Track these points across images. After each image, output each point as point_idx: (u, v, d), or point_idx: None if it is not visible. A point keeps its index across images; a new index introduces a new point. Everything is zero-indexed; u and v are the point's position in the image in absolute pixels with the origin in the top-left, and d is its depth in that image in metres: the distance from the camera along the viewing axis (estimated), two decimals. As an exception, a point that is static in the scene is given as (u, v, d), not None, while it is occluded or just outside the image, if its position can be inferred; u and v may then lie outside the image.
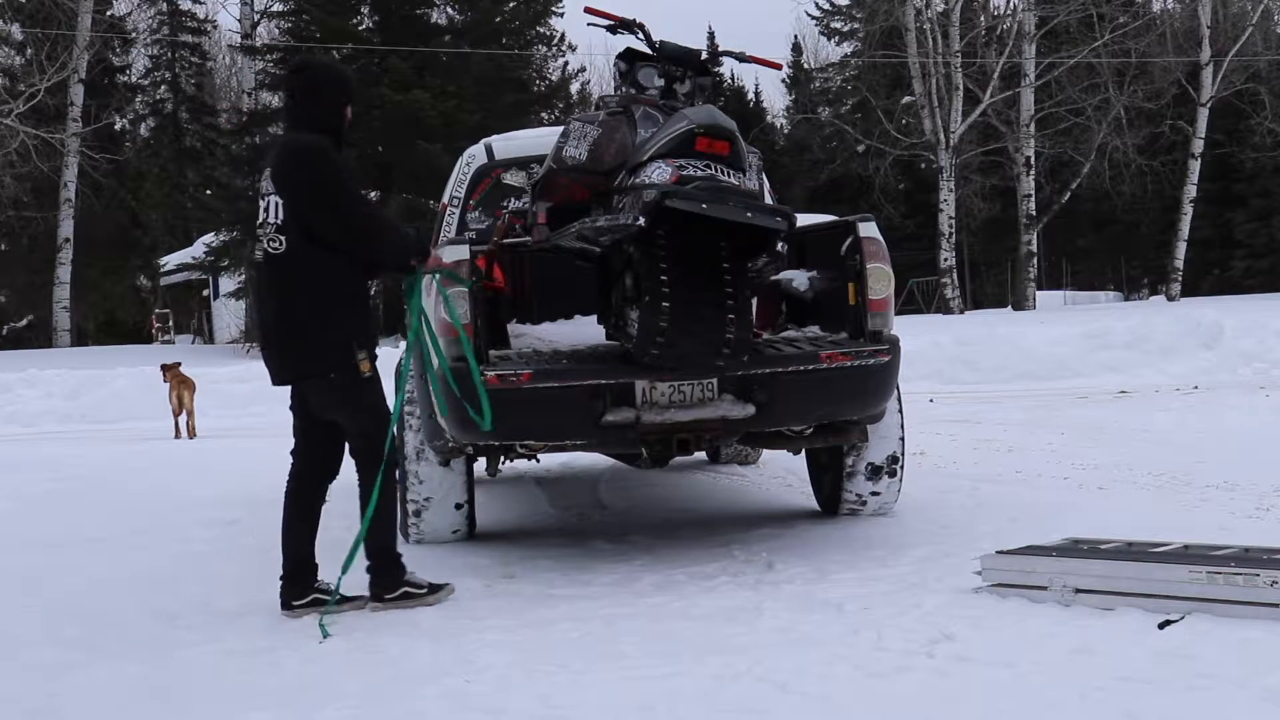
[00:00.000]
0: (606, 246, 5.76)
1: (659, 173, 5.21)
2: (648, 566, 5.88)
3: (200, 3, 47.96)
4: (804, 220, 6.24)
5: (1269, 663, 3.80)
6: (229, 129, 37.64)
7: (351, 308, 5.28)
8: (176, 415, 14.06)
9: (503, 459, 6.39)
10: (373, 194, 27.16)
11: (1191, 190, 36.40)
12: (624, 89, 5.97)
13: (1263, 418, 10.25)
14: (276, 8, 35.13)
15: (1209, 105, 36.12)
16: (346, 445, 5.42)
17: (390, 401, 5.50)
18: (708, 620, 4.81)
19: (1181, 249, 36.63)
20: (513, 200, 7.45)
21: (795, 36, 54.74)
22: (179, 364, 14.70)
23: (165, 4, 43.11)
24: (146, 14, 43.09)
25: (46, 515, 7.82)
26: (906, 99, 37.39)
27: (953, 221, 35.29)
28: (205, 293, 42.23)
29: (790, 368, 5.72)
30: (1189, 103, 36.29)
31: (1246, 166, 39.93)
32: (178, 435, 13.87)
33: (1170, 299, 35.58)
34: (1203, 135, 36.10)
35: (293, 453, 5.48)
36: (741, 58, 6.38)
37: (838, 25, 47.22)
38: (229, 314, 36.88)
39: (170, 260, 41.36)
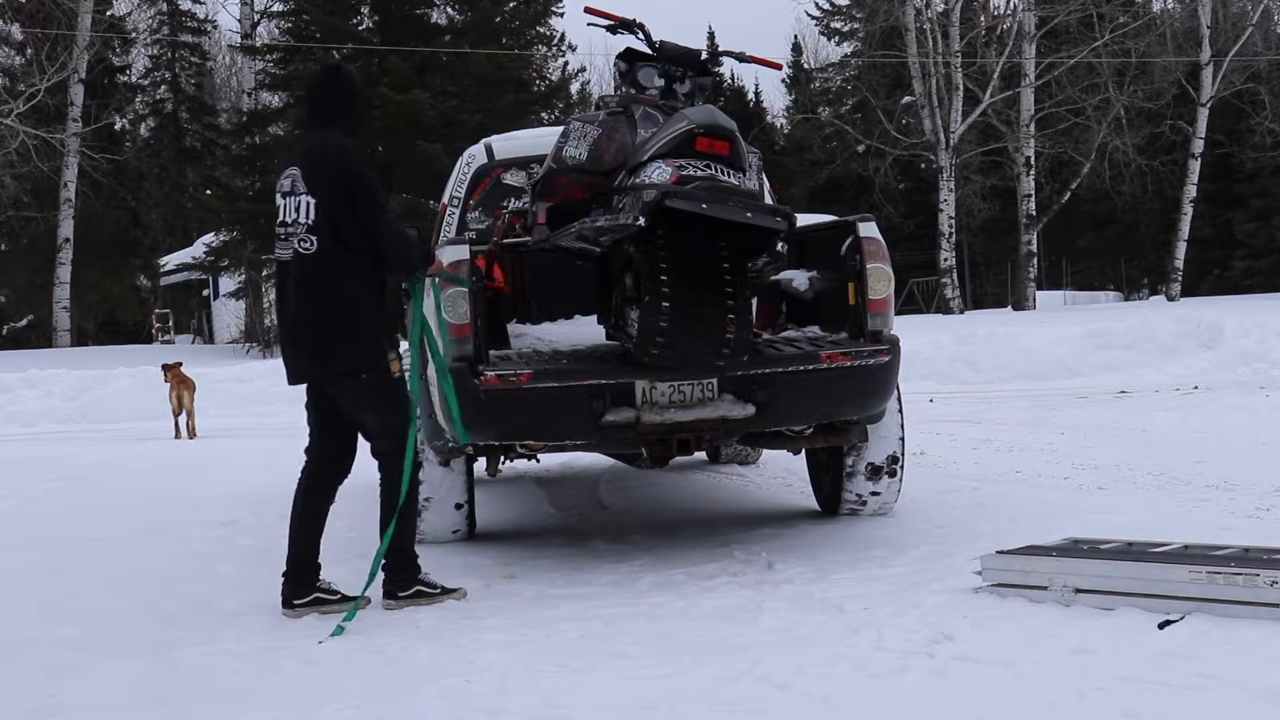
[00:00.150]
0: (606, 246, 5.76)
1: (659, 173, 5.21)
2: (648, 566, 5.88)
3: (200, 3, 48.05)
4: (804, 220, 6.24)
5: (1269, 663, 3.80)
6: (229, 129, 37.66)
7: (380, 308, 5.34)
8: (176, 415, 14.06)
9: (503, 459, 6.39)
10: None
11: (1191, 190, 36.40)
12: (624, 89, 5.98)
13: (1263, 418, 10.24)
14: (276, 8, 35.14)
15: (1209, 105, 36.12)
16: (361, 447, 5.42)
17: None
18: (708, 620, 4.81)
19: (1181, 249, 36.64)
20: (513, 200, 7.45)
21: (795, 36, 54.85)
22: (180, 364, 14.69)
23: (165, 4, 43.12)
24: (146, 14, 43.13)
25: (46, 515, 7.81)
26: (906, 99, 37.38)
27: (953, 221, 35.29)
28: (205, 293, 42.22)
29: (790, 368, 5.72)
30: (1189, 103, 36.29)
31: (1246, 166, 39.93)
32: (178, 435, 13.88)
33: (1170, 299, 35.57)
34: (1203, 135, 36.11)
35: (307, 450, 5.48)
36: (741, 58, 6.38)
37: (838, 25, 47.21)
38: (229, 314, 36.87)
39: (170, 260, 41.35)
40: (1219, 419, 10.31)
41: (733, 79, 51.98)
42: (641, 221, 5.10)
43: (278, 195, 5.33)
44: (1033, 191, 36.11)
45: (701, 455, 9.15)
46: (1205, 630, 4.15)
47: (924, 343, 16.22)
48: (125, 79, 41.34)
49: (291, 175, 5.28)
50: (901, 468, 6.67)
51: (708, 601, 5.12)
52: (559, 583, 5.66)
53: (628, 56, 6.01)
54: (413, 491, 5.34)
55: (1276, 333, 15.82)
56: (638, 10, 6.53)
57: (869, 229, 6.11)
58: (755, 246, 5.55)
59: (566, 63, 42.14)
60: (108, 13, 36.96)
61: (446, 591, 5.36)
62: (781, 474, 8.79)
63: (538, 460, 7.43)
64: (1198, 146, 36.05)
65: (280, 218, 5.30)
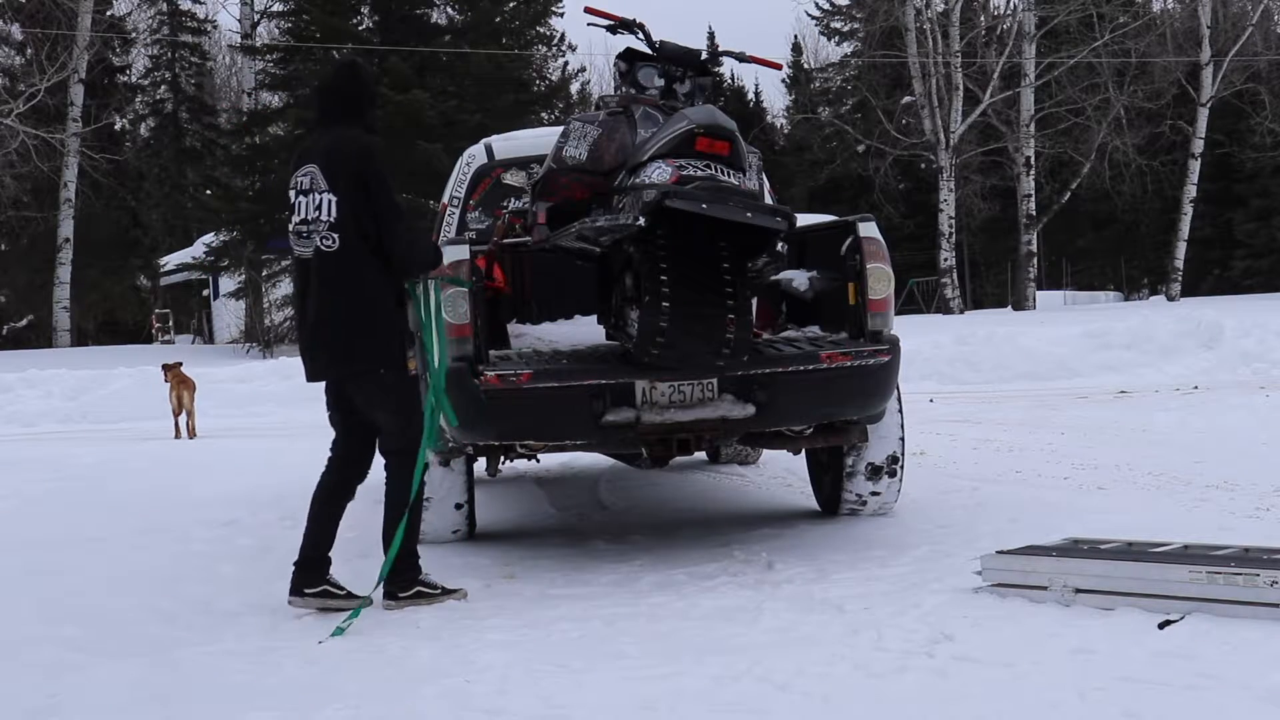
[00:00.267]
0: (606, 246, 5.76)
1: (659, 173, 5.21)
2: (648, 566, 5.88)
3: (200, 3, 48.05)
4: (804, 220, 6.25)
5: (1269, 663, 3.79)
6: (229, 129, 37.65)
7: (400, 306, 5.35)
8: (176, 415, 14.06)
9: (503, 459, 6.39)
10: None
11: (1191, 190, 36.40)
12: (624, 89, 5.98)
13: (1263, 418, 10.24)
14: (276, 8, 35.14)
15: (1209, 105, 36.12)
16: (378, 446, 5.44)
17: None
18: (708, 620, 4.81)
19: (1181, 249, 36.64)
20: (513, 200, 7.45)
21: (795, 36, 54.82)
22: (180, 364, 14.69)
23: (165, 4, 43.13)
24: (146, 14, 43.15)
25: (46, 515, 7.81)
26: (906, 99, 37.39)
27: (953, 221, 35.29)
28: (205, 293, 42.21)
29: (790, 368, 5.72)
30: (1189, 103, 36.30)
31: (1246, 166, 39.94)
32: (178, 435, 13.87)
33: (1170, 299, 35.57)
34: (1203, 135, 36.11)
35: (332, 448, 5.50)
36: (741, 58, 6.38)
37: (838, 25, 47.23)
38: (229, 314, 36.86)
39: (170, 260, 41.34)
40: (1219, 419, 10.31)
41: (733, 79, 52.02)
42: (641, 221, 5.10)
43: (292, 192, 5.30)
44: (1033, 191, 36.11)
45: (701, 455, 9.15)
46: (1205, 630, 4.14)
47: (924, 343, 16.22)
48: (125, 79, 41.35)
49: (309, 172, 5.25)
50: (901, 468, 6.67)
51: (708, 601, 5.12)
52: (559, 583, 5.66)
53: (628, 56, 6.01)
54: (420, 491, 5.35)
55: (1276, 333, 15.82)
56: (638, 10, 6.53)
57: (869, 229, 6.11)
58: (755, 246, 5.55)
59: (566, 63, 42.22)
60: (108, 13, 36.97)
61: (447, 592, 5.37)
62: (781, 474, 8.79)
63: (538, 460, 7.43)
64: (1198, 146, 36.06)
65: (301, 215, 5.25)
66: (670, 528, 6.96)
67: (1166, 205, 39.21)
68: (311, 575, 5.30)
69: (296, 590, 5.29)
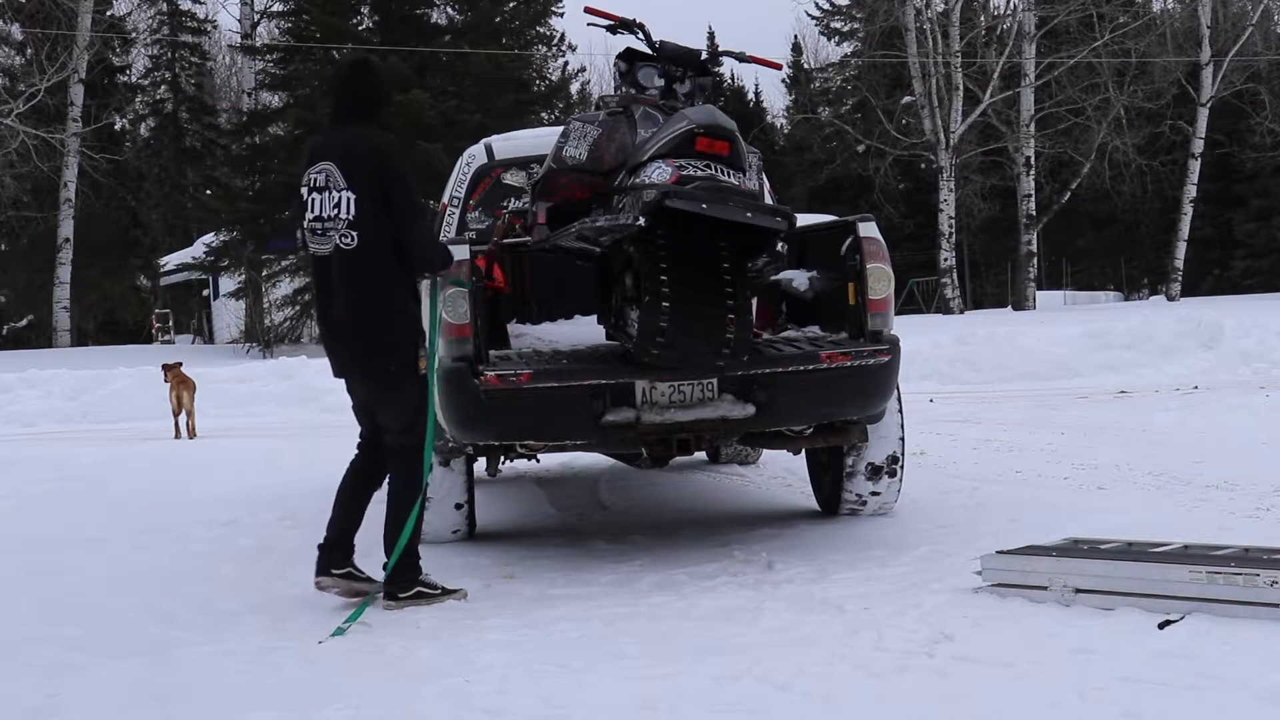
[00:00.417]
0: (606, 246, 5.76)
1: (659, 173, 5.21)
2: (648, 566, 5.88)
3: (200, 3, 48.07)
4: (804, 220, 6.24)
5: (1269, 663, 3.79)
6: (229, 129, 37.64)
7: (416, 303, 5.39)
8: (176, 415, 14.05)
9: (503, 459, 6.39)
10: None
11: (1191, 190, 36.41)
12: (624, 89, 5.98)
13: (1263, 418, 10.24)
14: (276, 8, 35.12)
15: (1209, 105, 36.13)
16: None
17: None
18: (708, 620, 4.81)
19: (1181, 249, 36.64)
20: (513, 200, 7.45)
21: (795, 36, 54.85)
22: (180, 364, 14.68)
23: (165, 4, 43.13)
24: (146, 14, 43.15)
25: (46, 515, 7.81)
26: (906, 99, 37.39)
27: (953, 221, 35.29)
28: (205, 293, 42.22)
29: (790, 368, 5.72)
30: (1189, 103, 36.30)
31: (1246, 166, 39.95)
32: (178, 435, 13.87)
33: (1170, 299, 35.58)
34: (1203, 135, 36.11)
35: (360, 437, 5.54)
36: (741, 58, 6.38)
37: (838, 25, 47.25)
38: (229, 314, 36.86)
39: (170, 260, 41.33)
40: (1219, 419, 10.31)
41: (733, 79, 52.04)
42: (641, 221, 5.10)
43: (305, 190, 5.27)
44: (1033, 191, 36.12)
45: (701, 455, 9.15)
46: (1205, 630, 4.14)
47: (924, 343, 16.22)
48: (125, 79, 41.35)
49: (325, 169, 5.23)
50: (901, 468, 6.67)
51: (708, 601, 5.12)
52: (559, 583, 5.66)
53: (628, 56, 6.01)
54: (423, 490, 5.36)
55: (1276, 333, 15.82)
56: (638, 10, 6.53)
57: (869, 229, 6.11)
58: (755, 246, 5.55)
59: (566, 63, 42.27)
60: (108, 13, 36.98)
61: (447, 592, 5.37)
62: (781, 474, 8.79)
63: (538, 460, 7.44)
64: (1198, 146, 36.06)
65: (316, 213, 5.23)
66: (670, 528, 6.96)
67: (1166, 205, 39.21)
68: (337, 556, 5.35)
69: (324, 570, 5.33)
